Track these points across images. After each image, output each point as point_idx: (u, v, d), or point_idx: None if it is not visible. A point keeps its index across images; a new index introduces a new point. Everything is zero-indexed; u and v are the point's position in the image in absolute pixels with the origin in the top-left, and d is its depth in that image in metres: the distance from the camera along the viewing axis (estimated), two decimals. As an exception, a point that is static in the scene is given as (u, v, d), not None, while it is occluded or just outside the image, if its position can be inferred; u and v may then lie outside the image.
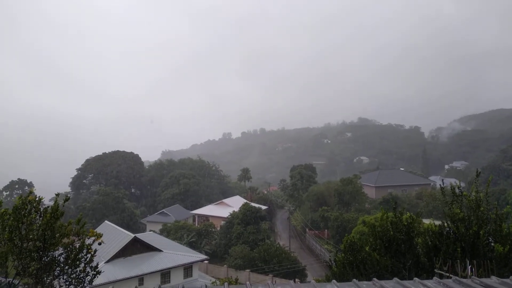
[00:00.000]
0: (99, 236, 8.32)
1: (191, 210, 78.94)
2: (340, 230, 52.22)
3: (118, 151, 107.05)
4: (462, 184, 11.09)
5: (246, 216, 54.87)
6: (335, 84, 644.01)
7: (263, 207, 67.56)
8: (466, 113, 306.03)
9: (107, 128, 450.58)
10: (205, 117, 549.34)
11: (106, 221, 47.86)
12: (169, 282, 34.57)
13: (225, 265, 45.68)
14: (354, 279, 5.23)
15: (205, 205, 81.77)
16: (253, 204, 62.74)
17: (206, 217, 71.59)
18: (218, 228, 60.70)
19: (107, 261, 32.44)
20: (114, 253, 33.63)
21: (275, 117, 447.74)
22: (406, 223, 9.83)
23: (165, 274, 34.78)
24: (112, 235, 37.02)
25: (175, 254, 37.37)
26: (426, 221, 14.33)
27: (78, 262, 7.69)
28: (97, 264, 8.27)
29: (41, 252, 7.16)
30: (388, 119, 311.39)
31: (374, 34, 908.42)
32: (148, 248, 36.66)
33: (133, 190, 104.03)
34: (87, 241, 7.97)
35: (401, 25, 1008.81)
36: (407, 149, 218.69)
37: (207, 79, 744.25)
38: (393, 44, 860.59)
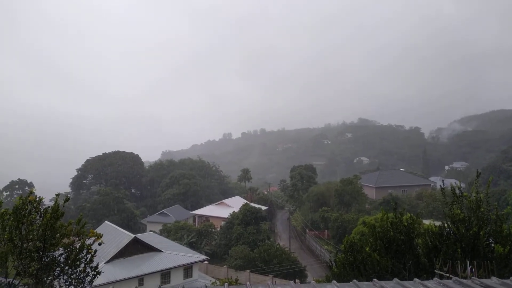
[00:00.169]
0: (99, 236, 8.31)
1: (191, 211, 78.95)
2: (340, 231, 52.22)
3: (118, 151, 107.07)
4: (463, 185, 11.09)
5: (246, 217, 54.86)
6: (335, 84, 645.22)
7: (263, 208, 67.54)
8: (467, 114, 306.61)
9: (107, 128, 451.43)
10: (205, 117, 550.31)
11: (106, 222, 47.89)
12: (169, 282, 34.56)
13: (225, 266, 45.65)
14: (354, 280, 5.23)
15: (205, 206, 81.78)
16: (253, 204, 62.75)
17: (206, 218, 71.58)
18: (218, 229, 60.68)
19: (107, 262, 32.44)
20: (114, 254, 33.64)
21: (275, 117, 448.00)
22: (406, 224, 9.83)
23: (165, 275, 34.78)
24: (112, 236, 37.02)
25: (175, 254, 37.35)
26: (426, 222, 14.32)
27: (78, 263, 7.68)
28: (97, 265, 8.27)
29: (41, 252, 7.16)
30: (388, 119, 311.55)
31: (374, 34, 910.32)
32: (148, 248, 36.65)
33: (133, 191, 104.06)
34: (87, 242, 7.97)
35: (401, 25, 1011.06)
36: (407, 149, 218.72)
37: (207, 79, 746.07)
38: (393, 44, 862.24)
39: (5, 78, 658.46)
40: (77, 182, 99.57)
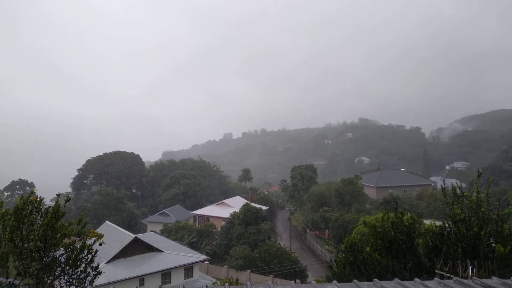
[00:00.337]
0: (100, 236, 8.32)
1: (192, 211, 78.96)
2: (340, 231, 52.19)
3: (119, 151, 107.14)
4: (463, 185, 11.07)
5: (246, 217, 54.86)
6: (335, 84, 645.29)
7: (264, 208, 67.53)
8: (467, 114, 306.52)
9: (107, 128, 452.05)
10: (205, 117, 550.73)
11: (107, 222, 47.93)
12: (170, 282, 34.59)
13: (225, 266, 45.66)
14: (355, 280, 5.23)
15: (206, 206, 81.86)
16: (253, 204, 62.75)
17: (206, 218, 71.59)
18: (219, 229, 60.68)
19: (108, 262, 32.48)
20: (115, 254, 33.68)
21: (275, 117, 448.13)
22: (407, 224, 9.82)
23: (165, 275, 34.80)
24: (113, 236, 37.06)
25: (176, 254, 37.38)
26: (427, 222, 14.32)
27: (79, 263, 7.69)
28: (98, 265, 8.28)
29: (42, 253, 7.17)
30: (388, 119, 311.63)
31: (374, 34, 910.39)
32: (149, 248, 36.68)
33: (134, 191, 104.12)
34: (88, 242, 7.97)
35: (401, 25, 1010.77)
36: (408, 149, 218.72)
37: (207, 79, 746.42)
38: (393, 44, 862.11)
39: (5, 78, 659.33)
40: (78, 182, 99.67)
